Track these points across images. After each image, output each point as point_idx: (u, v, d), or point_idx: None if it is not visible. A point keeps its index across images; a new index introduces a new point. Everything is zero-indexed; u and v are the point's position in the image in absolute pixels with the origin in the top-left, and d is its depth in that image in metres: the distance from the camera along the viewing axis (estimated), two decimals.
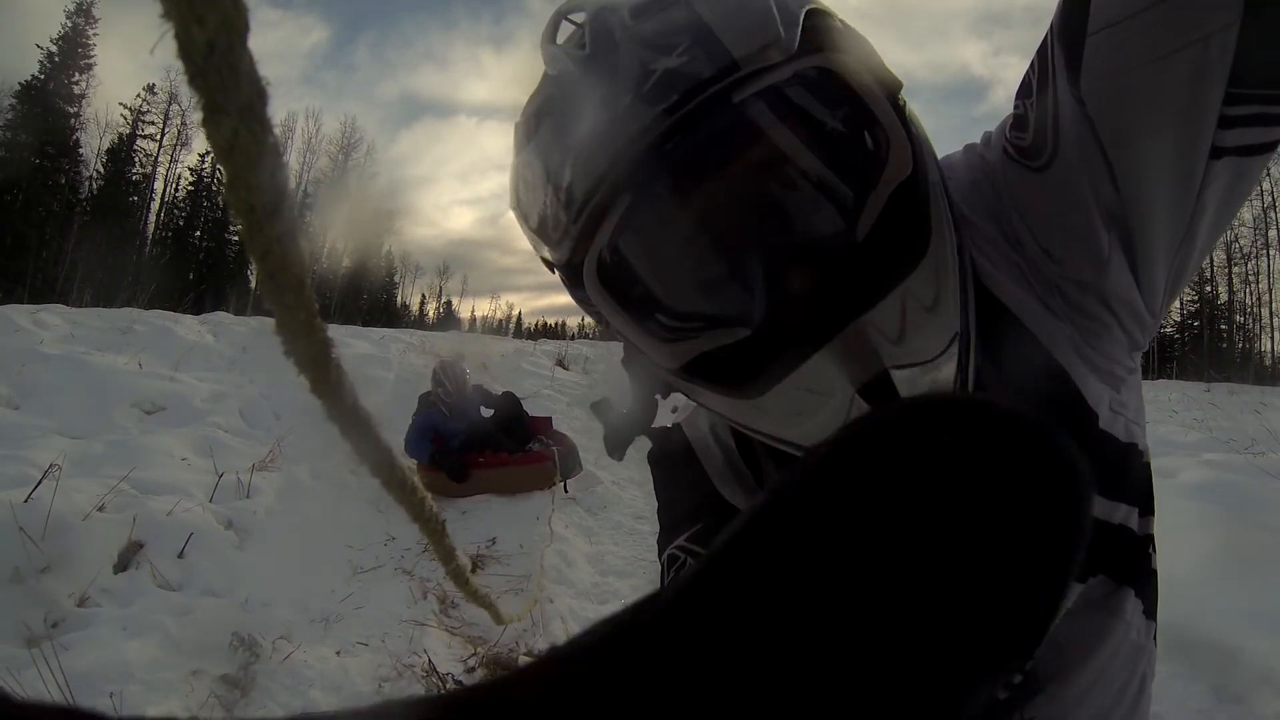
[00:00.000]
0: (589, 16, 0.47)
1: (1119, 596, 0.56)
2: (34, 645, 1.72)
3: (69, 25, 29.29)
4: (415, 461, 3.92)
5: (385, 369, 6.04)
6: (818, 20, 0.45)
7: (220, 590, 2.31)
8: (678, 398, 0.58)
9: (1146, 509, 0.56)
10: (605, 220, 0.45)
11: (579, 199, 0.45)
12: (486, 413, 4.52)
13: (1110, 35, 0.42)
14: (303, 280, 0.28)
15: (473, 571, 0.99)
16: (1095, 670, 0.56)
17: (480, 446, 3.97)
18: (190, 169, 35.03)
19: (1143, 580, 0.57)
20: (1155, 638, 0.61)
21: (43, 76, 28.42)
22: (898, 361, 0.43)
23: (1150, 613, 0.59)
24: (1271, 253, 32.09)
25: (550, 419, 4.71)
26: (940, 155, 0.53)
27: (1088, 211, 0.46)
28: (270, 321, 0.30)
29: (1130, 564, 0.56)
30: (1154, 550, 0.59)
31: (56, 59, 28.80)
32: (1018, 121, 0.49)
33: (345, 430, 0.38)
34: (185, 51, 0.20)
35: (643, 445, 0.82)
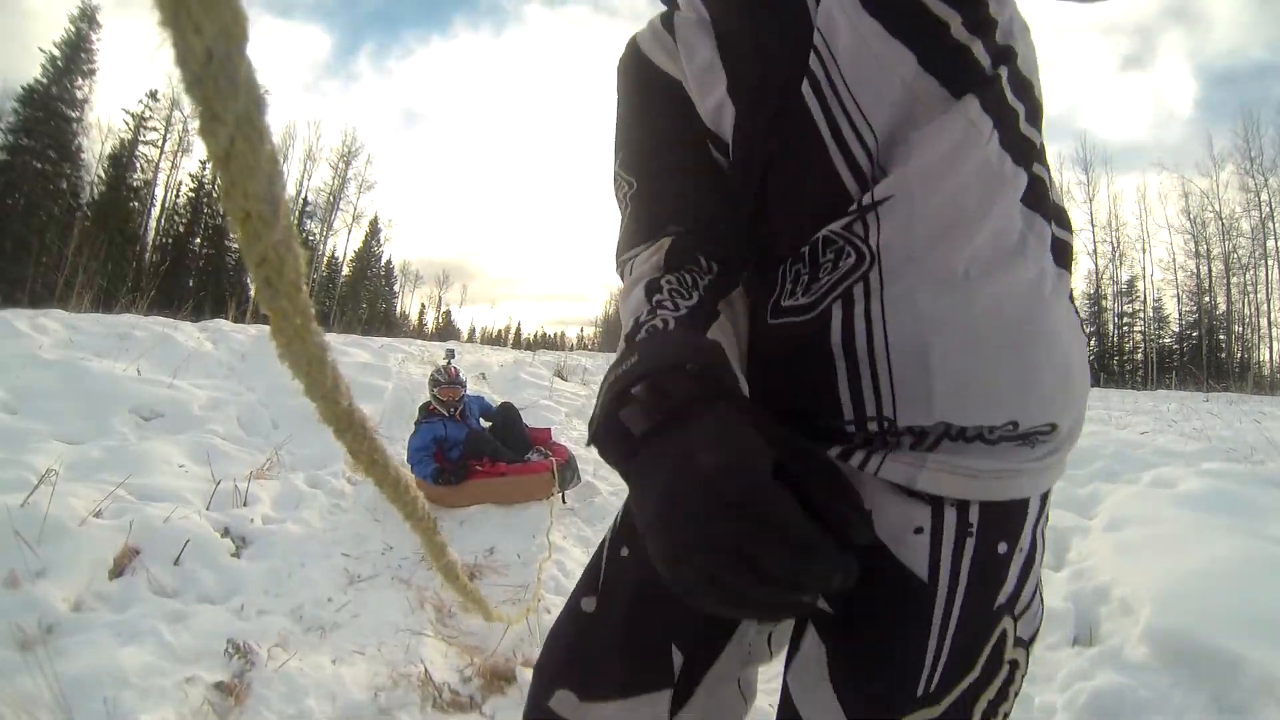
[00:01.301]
0: None
1: (963, 103, 0.61)
2: (27, 649, 1.71)
3: (72, 30, 29.42)
4: (418, 479, 3.90)
5: (384, 378, 6.04)
6: None
7: (216, 597, 2.30)
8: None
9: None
10: None
11: None
12: (485, 424, 4.51)
13: None
14: (298, 286, 0.28)
15: (470, 579, 0.98)
16: (935, 158, 0.60)
17: (479, 456, 3.96)
18: (191, 175, 35.12)
19: (992, 103, 0.62)
20: (1026, 178, 0.64)
21: (45, 81, 28.53)
22: None
23: (1008, 149, 0.63)
24: (1270, 263, 32.16)
25: (549, 430, 4.72)
26: None
27: None
28: (269, 329, 0.30)
29: (968, 79, 0.62)
30: (1006, 90, 0.64)
31: (59, 64, 28.91)
32: None
33: (340, 432, 0.38)
34: (183, 59, 0.20)
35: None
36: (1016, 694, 0.65)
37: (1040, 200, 0.64)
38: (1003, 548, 0.62)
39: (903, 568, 0.62)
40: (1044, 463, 0.63)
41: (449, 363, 4.68)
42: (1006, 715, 0.65)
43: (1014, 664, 0.65)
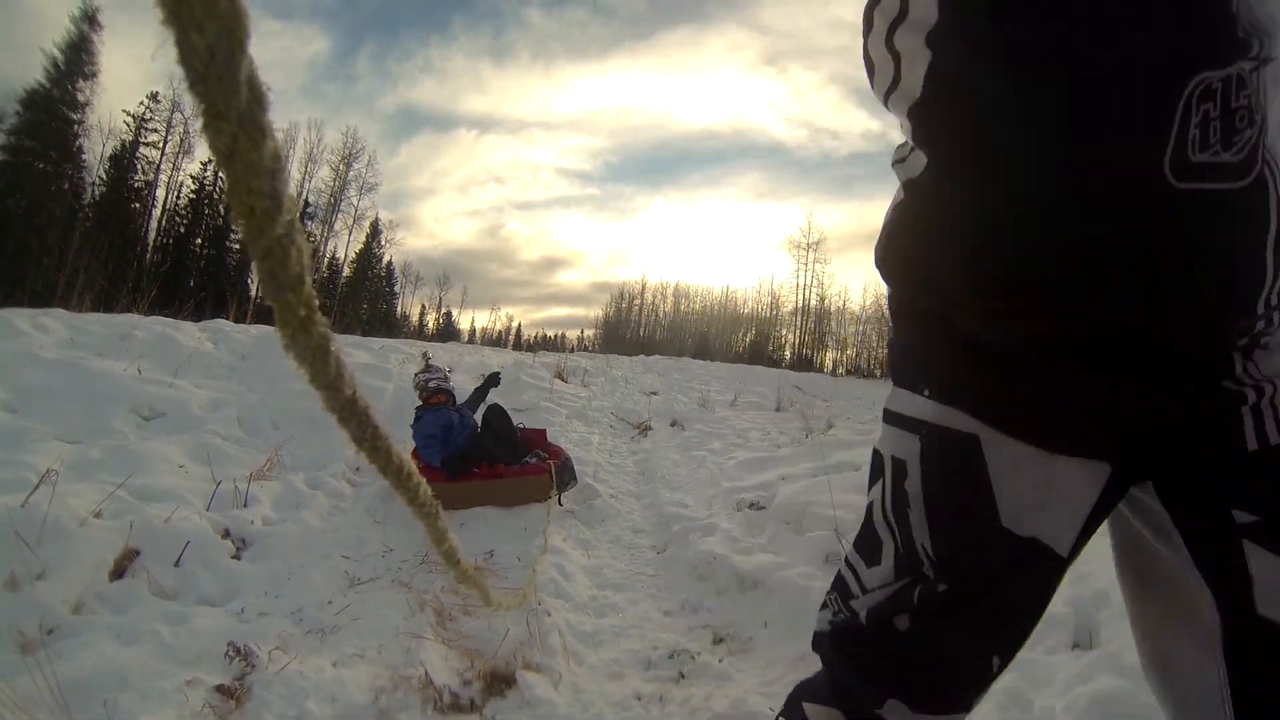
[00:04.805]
0: None
1: None
2: (28, 652, 1.70)
3: (74, 32, 29.46)
4: (424, 462, 3.88)
5: (384, 379, 6.04)
6: None
7: (216, 599, 2.30)
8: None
9: None
10: None
11: None
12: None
13: None
14: (302, 279, 0.28)
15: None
16: None
17: (476, 460, 3.93)
18: (192, 177, 35.17)
19: None
20: None
21: (47, 84, 28.56)
22: None
23: None
24: None
25: (545, 431, 4.69)
26: None
27: None
28: (270, 330, 0.30)
29: None
30: None
31: (61, 65, 28.95)
32: None
33: (344, 420, 0.38)
34: (186, 58, 0.20)
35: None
36: None
37: None
38: None
39: None
40: None
41: (428, 363, 4.74)
42: None
43: None
